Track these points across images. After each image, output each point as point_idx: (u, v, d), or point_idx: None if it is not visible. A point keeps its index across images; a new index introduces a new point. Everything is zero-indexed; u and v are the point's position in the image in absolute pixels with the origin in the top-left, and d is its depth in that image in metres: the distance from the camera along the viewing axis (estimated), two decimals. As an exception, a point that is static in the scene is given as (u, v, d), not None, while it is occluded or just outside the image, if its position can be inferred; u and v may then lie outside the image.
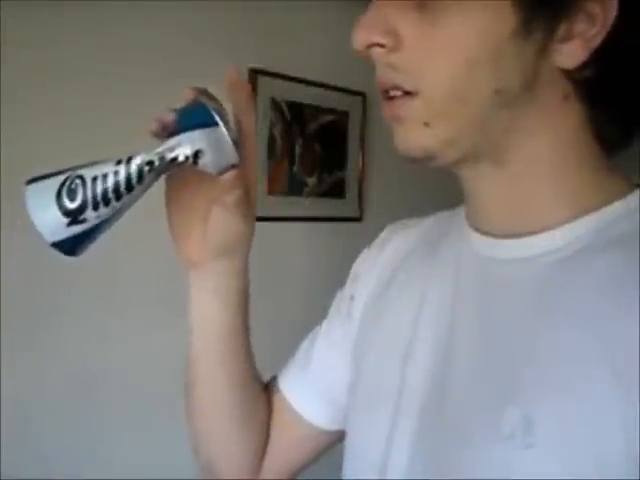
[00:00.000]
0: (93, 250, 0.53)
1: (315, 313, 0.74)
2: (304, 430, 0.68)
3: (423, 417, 0.52)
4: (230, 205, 0.56)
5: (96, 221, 0.51)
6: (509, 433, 0.45)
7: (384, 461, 0.55)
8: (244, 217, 0.58)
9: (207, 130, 0.51)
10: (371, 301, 0.65)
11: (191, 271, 0.61)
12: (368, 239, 0.73)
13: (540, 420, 0.44)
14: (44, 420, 1.34)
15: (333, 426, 0.68)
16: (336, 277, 0.75)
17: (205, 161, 0.51)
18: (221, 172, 0.53)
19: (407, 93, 0.48)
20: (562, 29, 0.46)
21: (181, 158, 0.51)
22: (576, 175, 0.50)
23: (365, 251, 0.71)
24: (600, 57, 0.46)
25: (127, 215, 0.52)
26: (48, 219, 0.50)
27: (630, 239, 0.46)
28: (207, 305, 0.62)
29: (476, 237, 0.55)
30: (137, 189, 0.51)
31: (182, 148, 0.51)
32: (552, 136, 0.50)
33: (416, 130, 0.49)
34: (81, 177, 0.50)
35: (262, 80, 1.66)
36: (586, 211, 0.49)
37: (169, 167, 0.51)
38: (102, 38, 1.40)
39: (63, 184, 0.50)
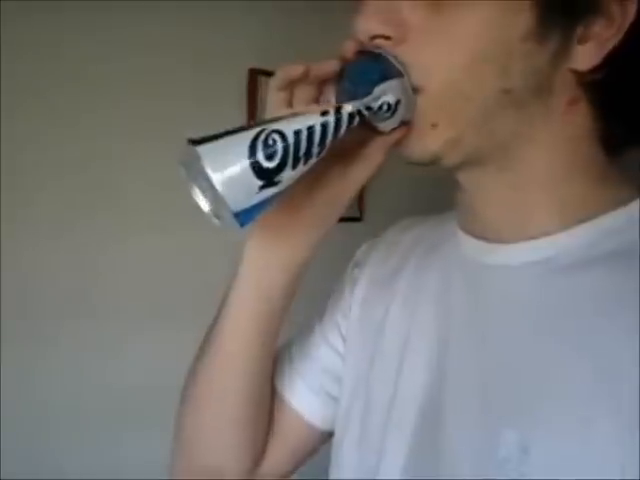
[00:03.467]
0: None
1: (316, 313, 0.74)
2: (305, 428, 0.67)
3: (415, 437, 0.51)
4: (372, 167, 0.51)
5: (288, 183, 0.44)
6: (505, 456, 0.43)
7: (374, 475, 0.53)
8: (358, 187, 0.53)
9: (401, 80, 0.46)
10: (367, 303, 0.63)
11: (273, 234, 0.54)
12: (368, 239, 0.73)
13: (535, 446, 0.42)
14: (44, 425, 1.34)
15: (330, 425, 0.66)
16: (336, 277, 0.75)
17: (400, 112, 0.47)
18: (394, 127, 0.48)
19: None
20: (579, 30, 0.44)
21: (385, 107, 0.46)
22: (578, 182, 0.49)
23: (370, 242, 0.69)
24: (610, 59, 0.45)
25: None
26: (237, 183, 0.42)
27: (623, 253, 0.45)
28: (275, 274, 0.55)
29: (469, 242, 0.53)
30: (335, 142, 0.46)
31: (386, 97, 0.46)
32: (558, 141, 0.48)
33: (425, 134, 0.47)
34: (279, 132, 0.43)
35: (262, 80, 1.66)
36: (583, 220, 0.47)
37: (369, 118, 0.47)
38: (101, 38, 1.40)
39: (255, 140, 0.42)
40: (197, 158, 0.41)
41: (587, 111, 0.48)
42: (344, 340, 0.65)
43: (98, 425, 1.40)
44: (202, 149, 0.42)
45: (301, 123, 0.44)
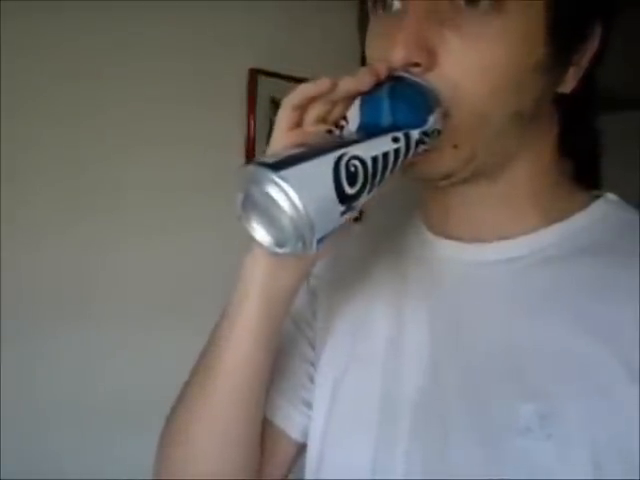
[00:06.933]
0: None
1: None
2: (291, 446, 0.64)
3: (416, 430, 0.52)
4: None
5: (359, 208, 0.45)
6: (526, 426, 0.46)
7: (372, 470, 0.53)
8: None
9: (440, 107, 0.47)
10: (335, 310, 0.62)
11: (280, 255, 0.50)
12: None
13: (556, 414, 0.46)
14: (44, 425, 1.35)
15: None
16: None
17: (440, 138, 0.48)
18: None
19: None
20: (573, 60, 0.51)
21: (435, 134, 0.47)
22: (553, 189, 0.55)
23: None
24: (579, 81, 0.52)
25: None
26: (324, 209, 0.42)
27: (591, 248, 0.51)
28: (286, 279, 0.53)
29: (445, 243, 0.57)
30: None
31: (436, 125, 0.47)
32: (540, 155, 0.54)
33: (445, 153, 0.50)
34: (359, 158, 0.43)
35: (262, 80, 1.66)
36: (552, 222, 0.53)
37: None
38: (101, 38, 1.40)
39: (337, 166, 0.42)
40: (274, 182, 0.40)
41: (558, 126, 0.55)
42: (313, 348, 0.64)
43: (98, 425, 1.40)
44: (285, 174, 0.40)
45: (376, 149, 0.44)
